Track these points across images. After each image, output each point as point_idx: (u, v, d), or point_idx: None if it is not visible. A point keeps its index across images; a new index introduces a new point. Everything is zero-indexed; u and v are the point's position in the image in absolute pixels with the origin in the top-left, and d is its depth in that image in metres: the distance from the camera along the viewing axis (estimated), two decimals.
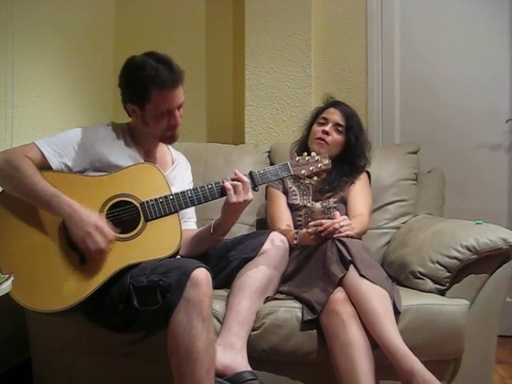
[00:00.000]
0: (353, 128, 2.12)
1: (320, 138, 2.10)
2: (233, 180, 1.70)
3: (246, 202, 1.70)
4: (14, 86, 2.08)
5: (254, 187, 1.73)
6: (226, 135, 2.88)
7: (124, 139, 1.82)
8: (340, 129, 2.11)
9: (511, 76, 2.70)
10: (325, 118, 2.15)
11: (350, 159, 2.14)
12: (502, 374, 2.21)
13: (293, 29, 2.70)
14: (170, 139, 1.82)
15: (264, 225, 2.25)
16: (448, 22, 2.75)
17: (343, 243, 1.71)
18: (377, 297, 1.60)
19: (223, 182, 1.70)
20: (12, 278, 1.40)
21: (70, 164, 1.71)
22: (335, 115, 2.13)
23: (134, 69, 1.72)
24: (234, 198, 1.67)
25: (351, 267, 1.66)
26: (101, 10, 2.85)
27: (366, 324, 1.59)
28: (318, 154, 1.79)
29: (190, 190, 1.70)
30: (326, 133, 2.09)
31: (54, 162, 1.68)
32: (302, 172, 1.76)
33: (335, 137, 2.11)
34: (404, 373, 1.49)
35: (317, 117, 2.20)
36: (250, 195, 1.70)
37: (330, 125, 2.11)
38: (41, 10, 2.26)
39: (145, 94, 1.69)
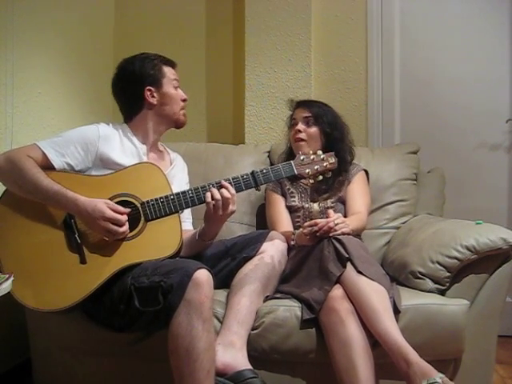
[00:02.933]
0: (321, 116, 2.12)
1: (296, 139, 2.11)
2: (218, 187, 1.68)
3: (227, 215, 1.69)
4: (14, 86, 2.08)
5: (256, 187, 1.72)
6: (226, 135, 2.88)
7: (125, 137, 1.83)
8: (309, 121, 2.12)
9: (511, 76, 2.70)
10: (293, 119, 2.17)
11: (336, 150, 2.01)
12: (502, 373, 2.21)
13: (293, 29, 2.70)
14: (184, 120, 1.91)
15: (264, 225, 2.25)
16: (448, 22, 2.75)
17: (340, 241, 1.71)
18: (375, 293, 1.61)
19: (208, 188, 1.67)
20: (12, 278, 1.40)
21: (72, 163, 1.71)
22: (301, 112, 2.15)
23: (137, 58, 1.88)
24: (212, 210, 1.67)
25: (349, 264, 1.66)
26: (101, 10, 2.85)
27: (364, 320, 1.59)
28: (323, 153, 1.77)
29: (191, 190, 1.70)
30: (299, 131, 2.11)
31: (57, 162, 1.69)
32: (307, 171, 1.73)
33: (309, 130, 2.11)
34: (401, 364, 1.50)
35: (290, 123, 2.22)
36: (232, 208, 1.68)
37: (299, 123, 2.13)
38: (41, 11, 2.26)
39: (160, 70, 1.86)
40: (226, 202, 1.66)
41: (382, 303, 1.59)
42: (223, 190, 1.66)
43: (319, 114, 2.13)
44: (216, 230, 1.80)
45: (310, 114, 2.13)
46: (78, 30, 2.57)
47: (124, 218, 1.60)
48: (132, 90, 1.85)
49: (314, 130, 2.12)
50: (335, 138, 2.12)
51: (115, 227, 1.58)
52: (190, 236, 1.85)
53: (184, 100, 1.90)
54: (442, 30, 2.75)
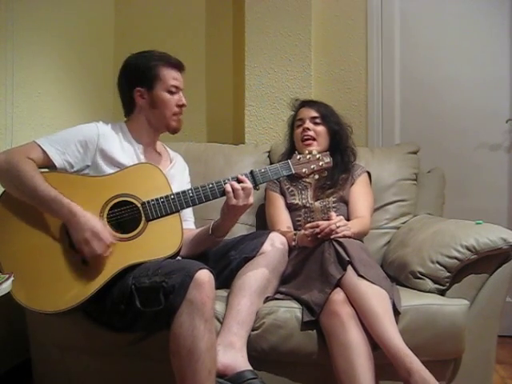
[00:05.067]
0: (328, 115, 2.16)
1: (305, 138, 2.12)
2: (235, 181, 1.69)
3: (246, 207, 1.70)
4: (14, 86, 2.08)
5: (255, 186, 1.72)
6: (226, 135, 2.88)
7: (124, 136, 1.83)
8: (317, 120, 2.15)
9: (511, 76, 2.70)
10: (300, 119, 2.19)
11: (340, 148, 2.15)
12: (502, 374, 2.21)
13: (293, 29, 2.70)
14: (175, 127, 1.85)
15: (264, 225, 2.25)
16: (448, 22, 2.75)
17: (341, 244, 1.70)
18: (376, 297, 1.60)
19: (224, 183, 1.69)
20: (12, 278, 1.40)
21: (72, 162, 1.71)
22: (307, 111, 2.18)
23: (140, 54, 1.84)
24: (233, 201, 1.67)
25: (349, 268, 1.66)
26: (101, 10, 2.85)
27: (365, 324, 1.58)
28: (319, 153, 1.78)
29: (191, 190, 1.70)
30: (307, 129, 2.12)
31: (58, 160, 1.68)
32: (303, 170, 1.75)
33: (317, 128, 2.14)
34: (403, 372, 1.49)
35: (293, 123, 2.23)
36: (251, 200, 1.69)
37: (307, 121, 2.15)
38: (41, 10, 2.26)
39: (154, 72, 1.79)
40: (246, 190, 1.67)
41: (382, 307, 1.59)
42: (241, 184, 1.67)
43: (326, 113, 2.17)
44: (231, 224, 1.80)
45: (317, 114, 2.16)
46: (78, 29, 2.57)
47: (111, 239, 1.58)
48: (125, 89, 1.85)
49: (321, 128, 2.15)
50: (342, 136, 2.16)
51: (97, 243, 1.55)
52: (201, 232, 1.85)
53: (181, 105, 1.84)
54: (442, 30, 2.75)
